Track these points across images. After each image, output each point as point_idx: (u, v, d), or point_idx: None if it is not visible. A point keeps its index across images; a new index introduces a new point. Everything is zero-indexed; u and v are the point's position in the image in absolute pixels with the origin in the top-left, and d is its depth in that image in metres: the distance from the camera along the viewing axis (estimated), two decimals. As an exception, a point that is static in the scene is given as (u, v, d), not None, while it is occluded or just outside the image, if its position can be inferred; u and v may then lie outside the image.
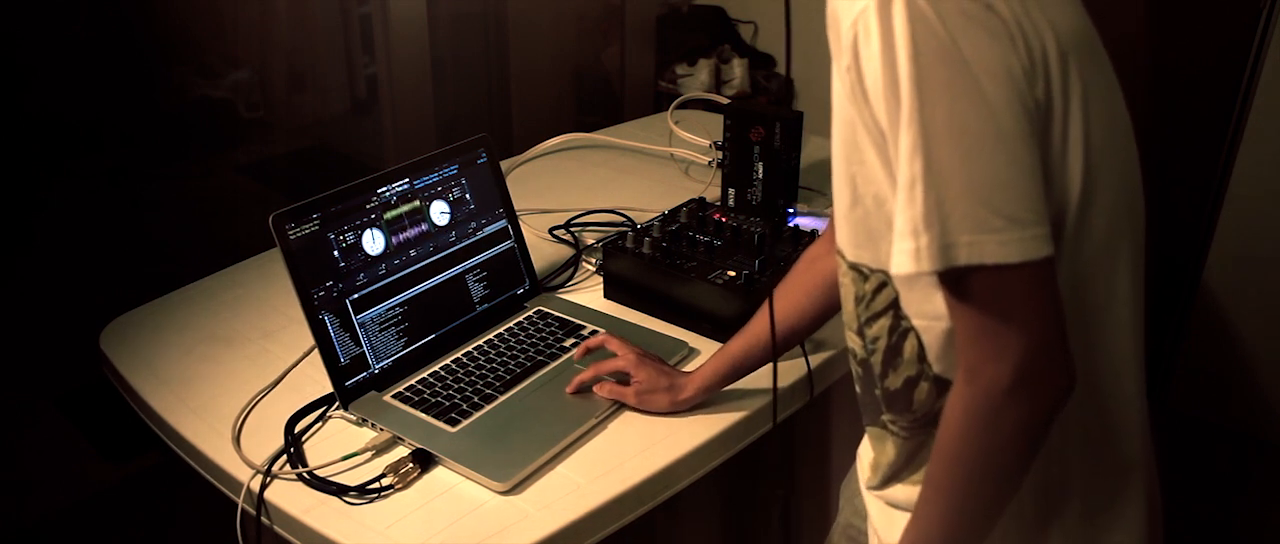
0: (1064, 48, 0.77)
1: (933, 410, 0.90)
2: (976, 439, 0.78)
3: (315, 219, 1.20)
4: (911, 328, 0.88)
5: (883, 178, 0.82)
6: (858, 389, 0.99)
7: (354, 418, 1.20)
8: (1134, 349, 0.92)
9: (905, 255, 0.75)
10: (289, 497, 1.07)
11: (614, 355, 1.23)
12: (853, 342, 0.96)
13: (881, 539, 1.01)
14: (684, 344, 1.33)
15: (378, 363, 1.24)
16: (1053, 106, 0.77)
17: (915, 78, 0.73)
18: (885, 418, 0.96)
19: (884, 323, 0.90)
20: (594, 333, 1.35)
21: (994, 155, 0.73)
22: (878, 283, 0.89)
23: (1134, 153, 0.90)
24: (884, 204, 0.83)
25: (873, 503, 1.02)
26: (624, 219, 1.70)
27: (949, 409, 0.81)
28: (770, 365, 1.13)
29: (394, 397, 1.22)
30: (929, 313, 0.85)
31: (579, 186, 1.87)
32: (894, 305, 0.89)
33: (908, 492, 0.96)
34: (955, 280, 0.76)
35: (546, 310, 1.41)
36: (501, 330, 1.36)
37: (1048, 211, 0.75)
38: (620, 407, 1.21)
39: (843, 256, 0.93)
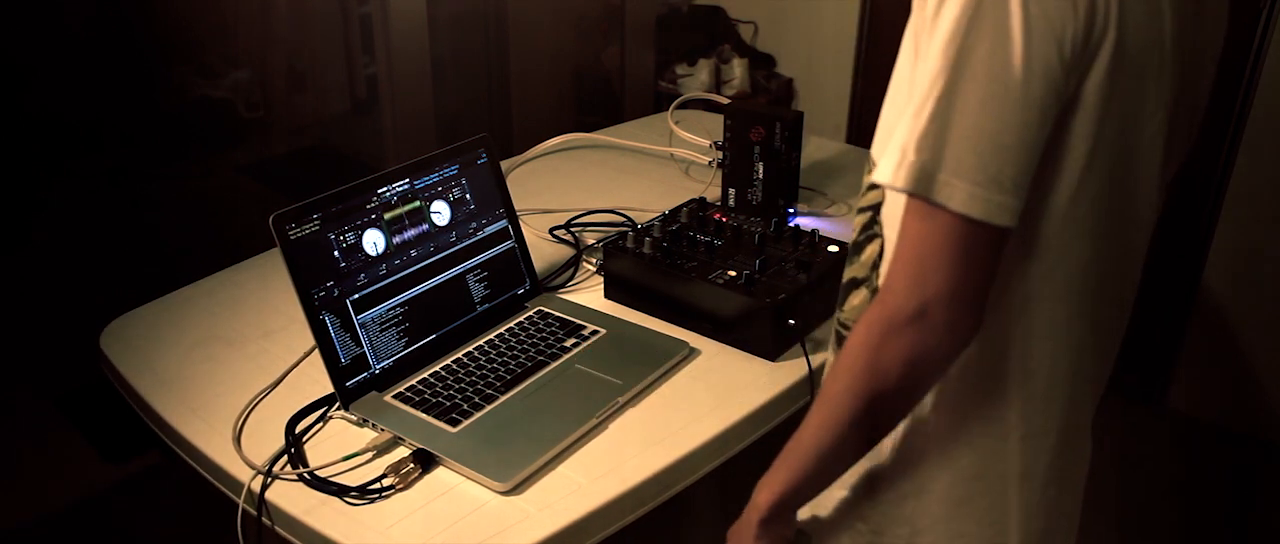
0: (1125, 47, 0.76)
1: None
2: (866, 354, 0.81)
3: (315, 219, 1.20)
4: (880, 235, 0.91)
5: (904, 84, 0.83)
6: None
7: (355, 418, 1.20)
8: (1064, 366, 0.91)
9: (889, 165, 0.77)
10: (290, 497, 1.07)
11: None
12: None
13: None
14: (684, 344, 1.33)
15: (378, 363, 1.24)
16: (1081, 100, 0.77)
17: (972, 8, 0.73)
18: (836, 313, 1.00)
19: (862, 219, 0.94)
20: (595, 333, 1.35)
21: (1010, 115, 0.73)
22: (873, 182, 0.92)
23: (1147, 193, 0.89)
24: (897, 113, 0.84)
25: None
26: (624, 219, 1.70)
27: (856, 324, 0.83)
28: None
29: (395, 397, 1.22)
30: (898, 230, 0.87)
31: (579, 186, 1.87)
32: (876, 208, 0.92)
33: None
34: (918, 207, 0.77)
35: (547, 310, 1.41)
36: (502, 330, 1.36)
37: (1027, 186, 0.76)
38: (621, 406, 1.21)
39: None
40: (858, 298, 0.95)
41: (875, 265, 0.93)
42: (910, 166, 0.75)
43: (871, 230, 0.93)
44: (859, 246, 0.95)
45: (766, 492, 0.93)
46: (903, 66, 0.85)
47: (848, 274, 0.98)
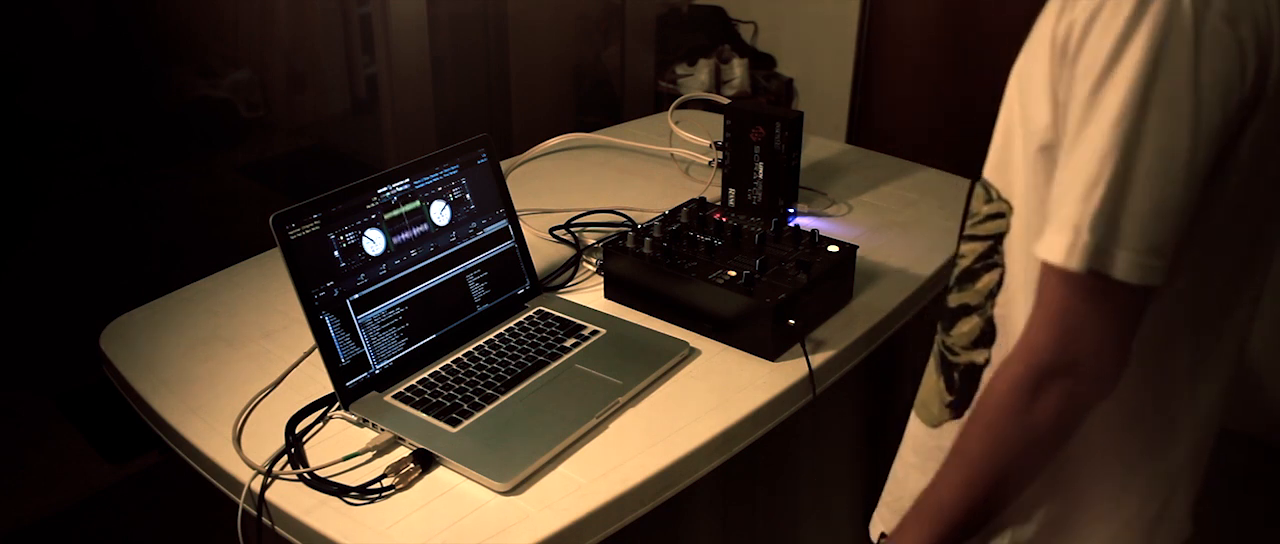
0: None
1: (964, 352, 0.95)
2: (1014, 413, 0.81)
3: (315, 219, 1.20)
4: (1001, 265, 0.90)
5: (1040, 129, 0.82)
6: None
7: (355, 418, 1.20)
8: (1214, 399, 0.94)
9: (1061, 248, 0.76)
10: (290, 497, 1.07)
11: None
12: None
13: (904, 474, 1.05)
14: (684, 344, 1.33)
15: (378, 363, 1.24)
16: (1235, 153, 0.77)
17: (1145, 82, 0.72)
18: (938, 336, 1.00)
19: (978, 246, 0.93)
20: (595, 333, 1.35)
21: (1177, 187, 0.74)
22: (995, 211, 0.91)
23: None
24: (1028, 147, 0.84)
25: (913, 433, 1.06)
26: (624, 219, 1.70)
27: (994, 378, 0.83)
28: None
29: (395, 397, 1.22)
30: (1024, 266, 0.87)
31: (579, 186, 1.87)
32: (996, 239, 0.91)
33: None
34: (1072, 272, 0.77)
35: (547, 310, 1.41)
36: (502, 330, 1.36)
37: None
38: (621, 406, 1.21)
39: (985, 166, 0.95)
40: (968, 325, 0.95)
41: (991, 294, 0.93)
42: (1085, 247, 0.75)
43: (991, 260, 0.92)
44: (974, 274, 0.94)
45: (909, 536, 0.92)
46: (1034, 101, 0.83)
47: (956, 300, 0.97)
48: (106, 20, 2.77)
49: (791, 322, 1.29)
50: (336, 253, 1.21)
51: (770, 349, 1.30)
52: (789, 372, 1.28)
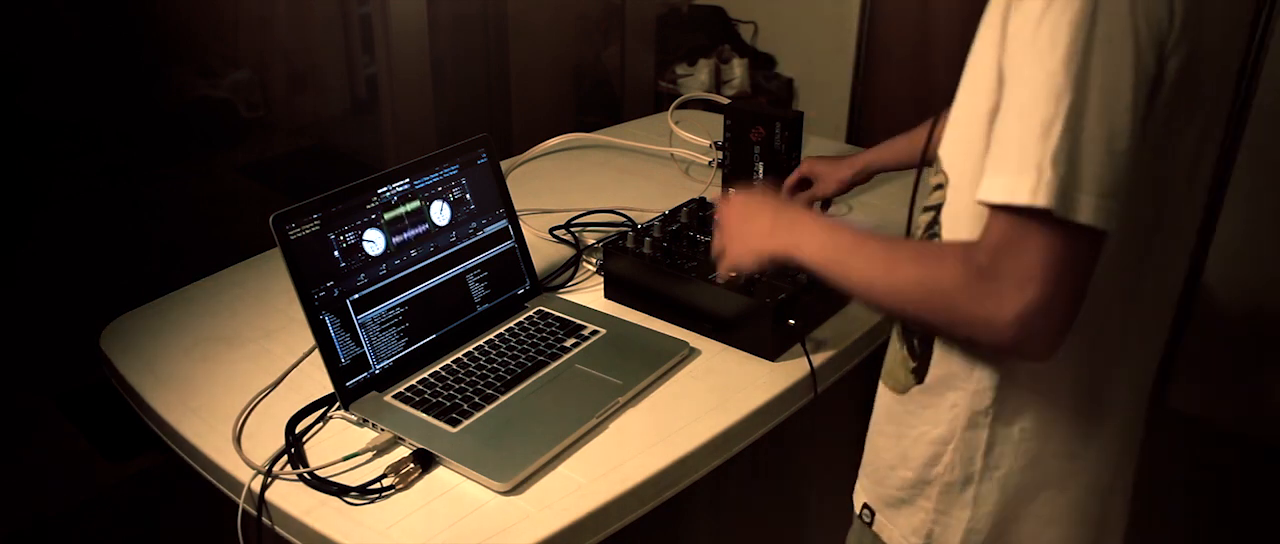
0: (1196, 51, 0.78)
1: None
2: (948, 297, 0.80)
3: (315, 219, 1.20)
4: (939, 235, 0.93)
5: (985, 93, 0.83)
6: None
7: (355, 418, 1.20)
8: (1145, 369, 0.98)
9: (1025, 188, 0.75)
10: (290, 497, 1.07)
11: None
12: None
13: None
14: (684, 344, 1.33)
15: (378, 363, 1.24)
16: (1158, 94, 0.78)
17: (1088, 23, 0.73)
18: None
19: (925, 218, 0.96)
20: (595, 333, 1.35)
21: (1124, 127, 0.75)
22: (937, 183, 0.94)
23: (1197, 192, 0.92)
24: (973, 119, 0.85)
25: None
26: (624, 219, 1.70)
27: (950, 253, 0.83)
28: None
29: (395, 397, 1.22)
30: (960, 230, 0.89)
31: (579, 186, 1.87)
32: (937, 210, 0.94)
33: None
34: (1034, 215, 0.76)
35: (547, 310, 1.41)
36: (502, 330, 1.36)
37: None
38: (621, 406, 1.21)
39: (935, 132, 0.97)
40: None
41: None
42: (1049, 184, 0.74)
43: (933, 230, 0.95)
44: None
45: (807, 245, 0.95)
46: (983, 78, 0.84)
47: None
48: (107, 20, 2.77)
49: (791, 322, 1.29)
50: (336, 253, 1.21)
51: (770, 349, 1.30)
52: (789, 372, 1.28)
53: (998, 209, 0.78)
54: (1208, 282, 2.51)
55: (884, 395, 1.08)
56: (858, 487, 1.13)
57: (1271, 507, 2.34)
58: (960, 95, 0.90)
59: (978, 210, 0.82)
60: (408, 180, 1.31)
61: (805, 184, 1.53)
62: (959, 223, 0.90)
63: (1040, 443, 0.94)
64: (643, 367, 1.27)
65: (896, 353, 1.04)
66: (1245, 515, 2.31)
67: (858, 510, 1.11)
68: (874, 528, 1.08)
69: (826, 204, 1.63)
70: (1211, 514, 2.28)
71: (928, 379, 0.99)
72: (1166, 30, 0.76)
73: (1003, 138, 0.78)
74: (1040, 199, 0.74)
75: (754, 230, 1.03)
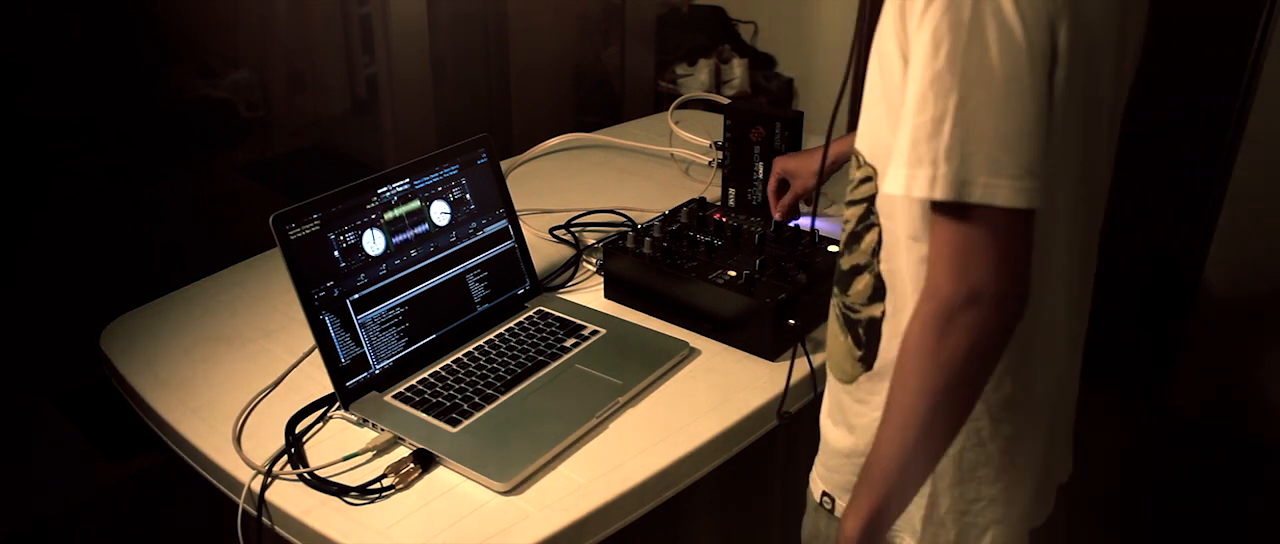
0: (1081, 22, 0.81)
1: (863, 308, 1.00)
2: (928, 355, 0.84)
3: (315, 219, 1.20)
4: (877, 224, 0.95)
5: (894, 90, 0.86)
6: None
7: (355, 418, 1.20)
8: (1071, 314, 1.01)
9: (921, 181, 0.80)
10: (290, 497, 1.07)
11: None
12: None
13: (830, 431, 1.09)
14: (685, 344, 1.33)
15: (378, 363, 1.24)
16: (1057, 69, 0.81)
17: (966, 24, 0.77)
18: (835, 298, 1.05)
19: (857, 210, 0.98)
20: (595, 333, 1.35)
21: (1023, 104, 0.78)
22: (864, 176, 0.96)
23: (1102, 152, 0.96)
24: (888, 114, 0.88)
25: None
26: (624, 219, 1.70)
27: (908, 329, 0.86)
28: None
29: (395, 397, 1.22)
30: (896, 218, 0.92)
31: (579, 187, 1.87)
32: (870, 200, 0.96)
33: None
34: (951, 208, 0.80)
35: (547, 310, 1.41)
36: (502, 330, 1.36)
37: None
38: (621, 406, 1.21)
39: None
40: (861, 283, 1.00)
41: (875, 252, 0.97)
42: (944, 178, 0.79)
43: (868, 220, 0.97)
44: (857, 236, 0.99)
45: (856, 519, 0.93)
46: (889, 67, 0.87)
47: (848, 262, 1.01)
48: (107, 20, 2.77)
49: (791, 322, 1.29)
50: (336, 253, 1.21)
51: (770, 349, 1.30)
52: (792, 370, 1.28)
53: (937, 221, 0.82)
54: (1208, 281, 2.51)
55: (832, 385, 1.09)
56: (814, 476, 1.13)
57: (1272, 507, 2.34)
58: (870, 85, 0.93)
59: (905, 199, 0.87)
60: (408, 180, 1.31)
61: (784, 187, 1.52)
62: (896, 212, 0.93)
63: (983, 417, 0.97)
64: (643, 367, 1.27)
65: (840, 344, 1.05)
66: (1245, 515, 2.31)
67: (818, 499, 1.11)
68: (836, 514, 1.08)
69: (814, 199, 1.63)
70: (1211, 514, 2.28)
71: (877, 365, 1.00)
72: (1052, 4, 0.79)
73: (902, 135, 0.82)
74: (938, 192, 0.79)
75: None
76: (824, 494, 1.10)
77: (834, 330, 1.07)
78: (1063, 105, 0.82)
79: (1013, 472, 1.00)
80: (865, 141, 0.95)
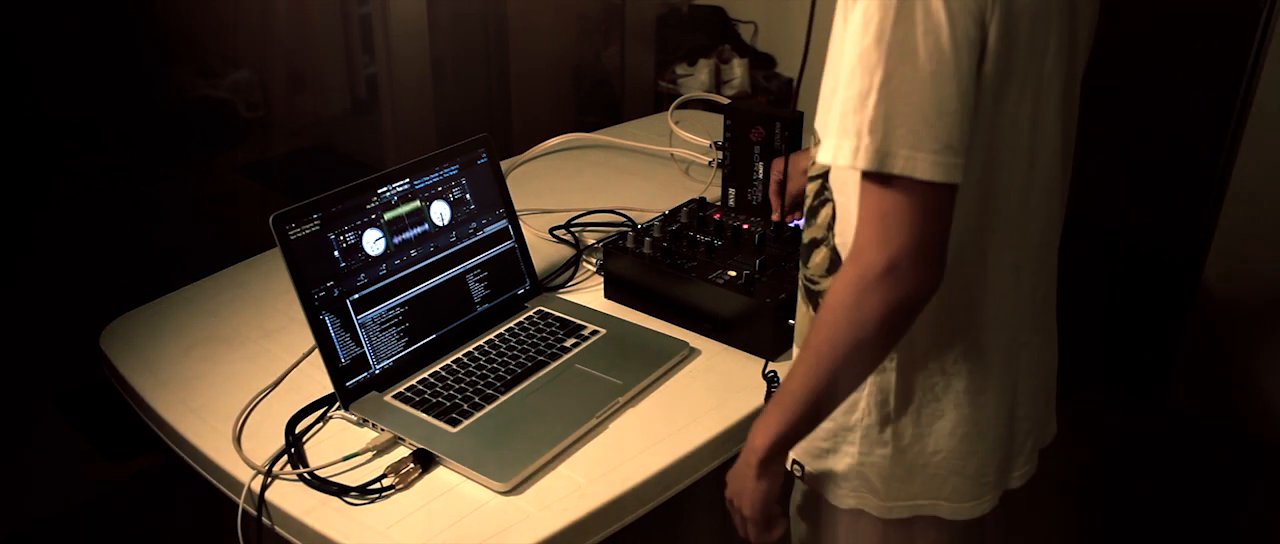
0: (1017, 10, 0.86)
1: (822, 280, 1.04)
2: (845, 310, 0.89)
3: (315, 219, 1.20)
4: (830, 199, 1.01)
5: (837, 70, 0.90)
6: None
7: (355, 418, 1.20)
8: (1023, 292, 1.05)
9: (847, 149, 0.85)
10: (290, 497, 1.07)
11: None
12: None
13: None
14: (685, 344, 1.33)
15: (378, 363, 1.24)
16: (987, 48, 0.85)
17: (895, 3, 0.81)
18: (800, 271, 1.09)
19: (814, 185, 1.04)
20: (595, 333, 1.35)
21: (949, 86, 0.82)
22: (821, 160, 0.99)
23: (1055, 122, 0.99)
24: (834, 92, 0.91)
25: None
26: (624, 219, 1.70)
27: (833, 282, 0.92)
28: None
29: (395, 397, 1.22)
30: (847, 192, 0.97)
31: (579, 187, 1.87)
32: (824, 176, 1.02)
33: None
34: (876, 177, 0.85)
35: (547, 310, 1.41)
36: (502, 330, 1.36)
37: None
38: (621, 406, 1.21)
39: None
40: (819, 256, 1.05)
41: (830, 225, 1.02)
42: (867, 149, 0.83)
43: (823, 196, 1.02)
44: (814, 211, 1.04)
45: (762, 436, 1.00)
46: (840, 41, 0.91)
47: (807, 236, 1.07)
48: (107, 20, 2.77)
49: (791, 322, 1.29)
50: (336, 253, 1.21)
51: (770, 349, 1.30)
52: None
53: (864, 189, 0.87)
54: (1208, 281, 2.51)
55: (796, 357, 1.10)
56: None
57: (1272, 507, 2.34)
58: (826, 68, 0.98)
59: (852, 176, 0.92)
60: (408, 180, 1.31)
61: (784, 188, 1.53)
62: (846, 185, 0.97)
63: (936, 373, 1.02)
64: (643, 367, 1.27)
65: (803, 314, 1.09)
66: (1245, 515, 2.31)
67: (789, 466, 1.13)
68: (805, 481, 1.13)
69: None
70: (1211, 514, 2.28)
71: None
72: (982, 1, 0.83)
73: (833, 108, 0.87)
74: (861, 162, 0.84)
75: (739, 490, 1.06)
76: (794, 462, 1.13)
77: (799, 302, 1.11)
78: (1004, 85, 0.88)
79: (971, 425, 1.04)
80: (821, 119, 0.99)
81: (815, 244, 1.05)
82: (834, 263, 1.02)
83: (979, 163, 0.91)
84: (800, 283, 1.10)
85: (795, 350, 1.13)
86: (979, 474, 1.07)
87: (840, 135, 0.85)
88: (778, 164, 1.52)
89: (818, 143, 0.99)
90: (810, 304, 1.08)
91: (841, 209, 1.00)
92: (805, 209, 1.06)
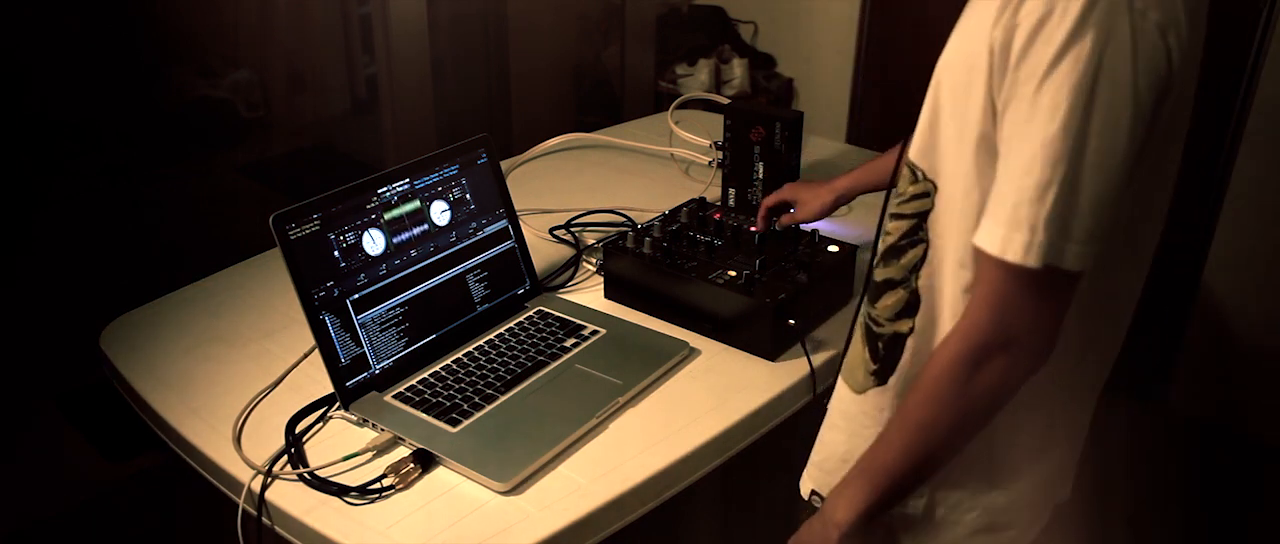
0: (1182, 86, 0.83)
1: (888, 323, 1.00)
2: (955, 384, 0.87)
3: (315, 219, 1.20)
4: (925, 241, 0.95)
5: (974, 123, 0.86)
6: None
7: (355, 418, 1.20)
8: (1099, 367, 1.04)
9: (1017, 245, 0.81)
10: (290, 497, 1.07)
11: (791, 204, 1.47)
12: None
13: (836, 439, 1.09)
14: (684, 344, 1.33)
15: (378, 363, 1.24)
16: (1152, 134, 0.82)
17: (1089, 89, 0.77)
18: (862, 308, 1.06)
19: (903, 224, 0.97)
20: (595, 333, 1.35)
21: (1113, 176, 0.80)
22: (920, 191, 0.95)
23: (1163, 207, 0.97)
24: (965, 137, 0.88)
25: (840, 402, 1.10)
26: (624, 219, 1.70)
27: (936, 352, 0.89)
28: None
29: (395, 397, 1.22)
30: (948, 239, 0.93)
31: (579, 187, 1.87)
32: (920, 217, 0.96)
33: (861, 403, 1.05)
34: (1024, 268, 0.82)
35: (547, 310, 1.41)
36: (502, 330, 1.36)
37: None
38: (621, 406, 1.21)
39: (907, 148, 0.98)
40: (893, 298, 0.99)
41: (915, 268, 0.97)
42: (1041, 246, 0.80)
43: (916, 236, 0.96)
44: (899, 250, 0.98)
45: (846, 510, 0.96)
46: (969, 91, 0.86)
47: (882, 275, 1.00)
48: (107, 20, 2.76)
49: (791, 322, 1.29)
50: (336, 253, 1.21)
51: (770, 349, 1.30)
52: (789, 372, 1.28)
53: (987, 261, 0.83)
54: (1208, 281, 2.51)
55: (842, 392, 1.09)
56: (805, 475, 1.14)
57: (1272, 507, 2.34)
58: (933, 102, 0.92)
59: (965, 224, 0.88)
60: (408, 180, 1.31)
61: (785, 208, 1.52)
62: (948, 233, 0.93)
63: (987, 449, 0.98)
64: (643, 367, 1.27)
65: (858, 353, 1.06)
66: (1245, 515, 2.31)
67: (806, 496, 1.12)
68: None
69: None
70: (1211, 514, 2.28)
71: (891, 381, 1.01)
72: (1166, 79, 0.80)
73: (1003, 191, 0.82)
74: (1031, 259, 0.80)
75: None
76: (813, 493, 1.11)
77: (855, 340, 1.07)
78: (1137, 166, 0.83)
79: (994, 481, 1.01)
80: (925, 157, 0.94)
81: (891, 285, 0.99)
82: (909, 306, 0.98)
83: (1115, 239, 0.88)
84: (860, 321, 1.05)
85: (841, 384, 1.09)
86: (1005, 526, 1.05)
87: (1011, 226, 0.81)
88: (789, 188, 1.50)
89: (915, 181, 0.95)
90: (868, 345, 1.03)
91: (936, 254, 0.95)
92: (882, 247, 1.01)
